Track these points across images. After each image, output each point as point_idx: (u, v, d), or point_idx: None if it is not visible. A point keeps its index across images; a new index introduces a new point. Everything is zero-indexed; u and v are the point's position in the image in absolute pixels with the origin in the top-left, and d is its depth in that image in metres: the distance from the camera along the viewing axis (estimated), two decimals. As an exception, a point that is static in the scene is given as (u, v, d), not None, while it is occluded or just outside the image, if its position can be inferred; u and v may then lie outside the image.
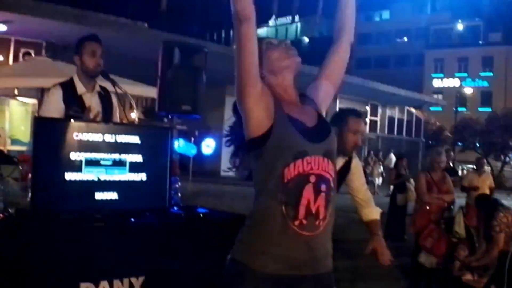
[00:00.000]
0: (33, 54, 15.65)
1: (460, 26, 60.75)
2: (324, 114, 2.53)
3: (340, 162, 4.15)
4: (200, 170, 21.13)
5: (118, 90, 4.31)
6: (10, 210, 3.36)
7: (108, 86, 4.40)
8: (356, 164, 4.34)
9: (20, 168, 3.69)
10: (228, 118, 2.57)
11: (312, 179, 2.25)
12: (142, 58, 9.12)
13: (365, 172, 23.23)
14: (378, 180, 21.79)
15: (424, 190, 7.17)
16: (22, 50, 16.10)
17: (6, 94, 11.80)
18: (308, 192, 2.23)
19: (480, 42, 57.72)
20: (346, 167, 4.23)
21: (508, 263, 5.79)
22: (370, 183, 22.70)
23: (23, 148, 12.12)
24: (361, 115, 4.28)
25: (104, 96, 4.39)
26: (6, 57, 15.89)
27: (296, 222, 2.23)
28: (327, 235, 2.34)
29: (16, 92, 11.71)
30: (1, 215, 3.25)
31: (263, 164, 2.30)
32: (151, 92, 4.84)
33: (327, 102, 2.60)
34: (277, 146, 2.27)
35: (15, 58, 15.88)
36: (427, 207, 7.15)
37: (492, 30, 54.12)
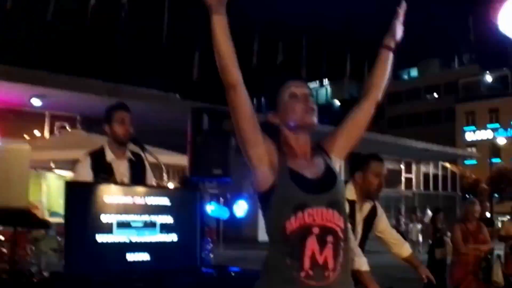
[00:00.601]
0: (68, 128, 16.02)
1: (488, 78, 60.66)
2: (337, 166, 2.54)
3: (367, 207, 4.38)
4: (235, 236, 21.05)
5: (148, 156, 4.42)
6: (44, 273, 3.43)
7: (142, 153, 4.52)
8: (380, 208, 4.61)
9: (59, 239, 3.76)
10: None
11: (316, 230, 2.25)
12: (175, 127, 9.30)
13: (400, 232, 22.83)
14: (418, 238, 21.39)
15: (460, 241, 7.09)
16: (57, 124, 16.51)
17: (43, 167, 12.01)
18: (311, 243, 2.24)
19: (510, 91, 57.39)
20: (373, 211, 4.45)
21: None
22: (409, 241, 22.35)
23: (62, 220, 12.26)
24: (382, 159, 4.43)
25: (136, 162, 4.48)
26: (42, 131, 16.30)
27: (302, 274, 2.23)
28: (342, 285, 2.32)
29: (52, 165, 11.95)
30: (35, 278, 3.30)
31: (269, 217, 2.35)
32: (185, 160, 4.99)
33: (342, 154, 2.60)
34: (279, 200, 2.30)
35: (51, 132, 16.28)
36: (464, 258, 7.06)
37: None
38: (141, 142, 4.42)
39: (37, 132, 16.26)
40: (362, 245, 4.56)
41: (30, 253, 3.63)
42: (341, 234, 2.31)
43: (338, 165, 2.56)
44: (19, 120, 15.80)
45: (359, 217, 4.48)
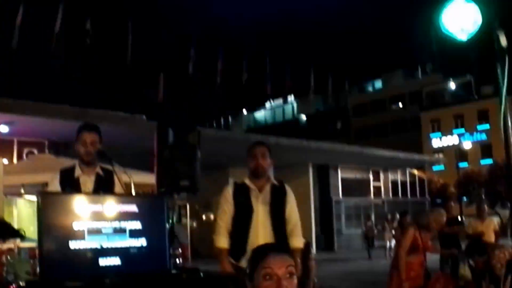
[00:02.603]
0: (36, 153, 16.02)
1: (452, 85, 61.79)
2: None
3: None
4: (207, 252, 21.09)
5: (119, 174, 4.64)
6: (20, 282, 3.60)
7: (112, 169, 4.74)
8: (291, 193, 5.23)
9: (31, 262, 3.91)
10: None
11: None
12: (143, 148, 9.48)
13: (372, 238, 22.96)
14: (390, 243, 21.75)
15: (405, 249, 6.79)
16: (25, 150, 16.48)
17: (13, 192, 12.03)
18: None
19: (474, 96, 58.60)
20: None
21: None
22: (381, 248, 22.69)
23: (33, 245, 12.25)
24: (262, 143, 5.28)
25: (104, 178, 4.71)
26: (10, 158, 16.23)
27: None
28: None
29: (22, 190, 11.98)
30: (12, 286, 3.47)
31: None
32: (154, 178, 5.20)
33: None
34: None
35: (19, 158, 16.22)
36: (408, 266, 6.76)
37: (484, 84, 54.99)
38: (109, 156, 4.64)
39: (5, 160, 16.19)
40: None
41: (6, 262, 3.79)
42: None
43: None
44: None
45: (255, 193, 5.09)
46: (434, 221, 7.05)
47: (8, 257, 3.85)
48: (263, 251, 2.45)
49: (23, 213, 14.71)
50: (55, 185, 4.53)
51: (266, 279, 2.37)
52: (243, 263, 5.01)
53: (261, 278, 2.38)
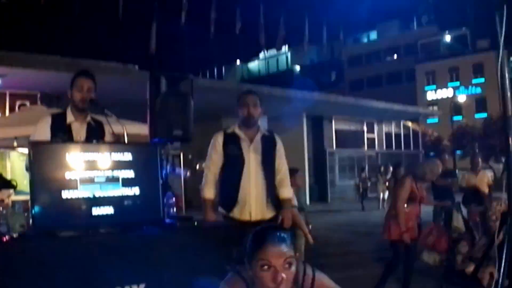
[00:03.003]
0: (28, 105, 15.90)
1: (447, 37, 61.41)
2: None
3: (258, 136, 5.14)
4: (200, 203, 21.26)
5: (109, 119, 4.58)
6: (13, 234, 3.58)
7: (104, 119, 4.68)
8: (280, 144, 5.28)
9: (25, 215, 3.87)
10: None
11: None
12: (135, 98, 9.37)
13: (366, 190, 23.07)
14: (384, 195, 21.91)
15: (404, 200, 6.74)
16: (18, 103, 16.35)
17: (6, 145, 11.96)
18: None
19: (469, 50, 58.31)
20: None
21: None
22: (374, 199, 22.87)
23: (27, 198, 12.25)
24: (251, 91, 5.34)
25: (95, 127, 4.66)
26: (3, 111, 16.13)
27: None
28: None
29: (15, 143, 11.90)
30: (4, 238, 3.44)
31: None
32: (147, 129, 5.12)
33: None
34: None
35: (11, 111, 16.11)
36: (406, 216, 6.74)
37: (480, 37, 54.65)
38: (102, 105, 4.58)
39: (-3, 114, 16.10)
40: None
41: (-1, 214, 3.76)
42: None
43: None
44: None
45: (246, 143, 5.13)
46: (430, 171, 6.99)
47: (1, 208, 3.80)
48: (261, 239, 2.45)
49: (16, 166, 14.69)
50: (44, 129, 4.47)
51: (263, 269, 2.40)
52: (235, 213, 5.01)
53: (259, 267, 2.40)
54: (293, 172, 6.51)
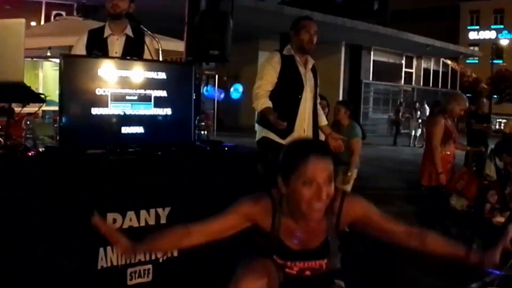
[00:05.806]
0: (64, 15, 15.71)
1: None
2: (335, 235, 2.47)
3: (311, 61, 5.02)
4: (232, 125, 21.19)
5: (147, 39, 4.39)
6: (40, 149, 3.48)
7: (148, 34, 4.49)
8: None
9: (55, 125, 3.76)
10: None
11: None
12: (173, 13, 9.12)
13: (398, 123, 22.79)
14: (416, 132, 21.57)
15: (439, 139, 6.45)
16: (54, 12, 16.16)
17: (39, 55, 11.84)
18: None
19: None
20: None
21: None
22: (406, 135, 22.57)
23: (58, 108, 12.26)
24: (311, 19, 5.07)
25: (134, 39, 4.46)
26: (38, 21, 15.98)
27: None
28: None
29: (48, 53, 11.79)
30: (30, 152, 3.35)
31: None
32: (183, 46, 4.93)
33: (353, 226, 2.50)
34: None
35: (47, 20, 15.94)
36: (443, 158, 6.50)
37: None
38: (138, 20, 4.39)
39: (33, 23, 15.95)
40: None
41: (26, 128, 3.65)
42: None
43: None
44: (15, 10, 15.45)
45: (303, 70, 4.91)
46: (458, 104, 6.63)
47: (28, 122, 3.70)
48: (304, 150, 2.22)
49: (49, 76, 14.71)
50: (80, 47, 4.30)
51: (305, 184, 2.17)
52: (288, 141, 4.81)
53: (300, 183, 2.18)
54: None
